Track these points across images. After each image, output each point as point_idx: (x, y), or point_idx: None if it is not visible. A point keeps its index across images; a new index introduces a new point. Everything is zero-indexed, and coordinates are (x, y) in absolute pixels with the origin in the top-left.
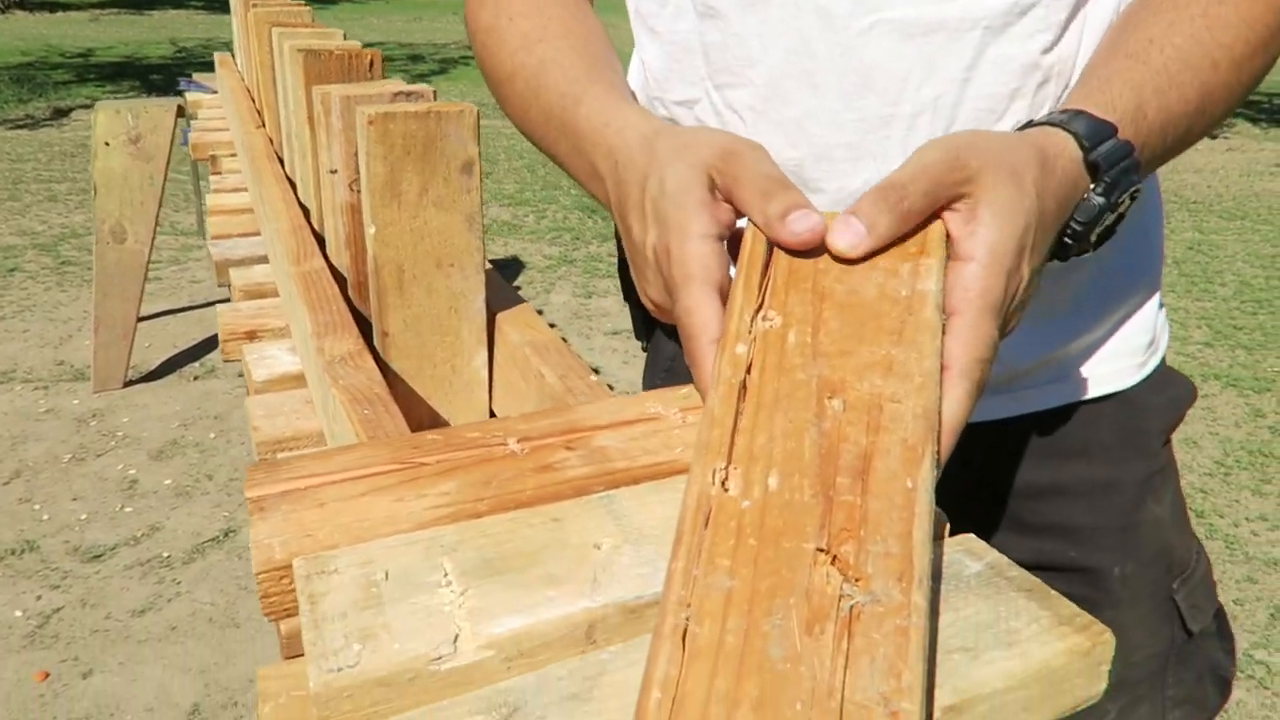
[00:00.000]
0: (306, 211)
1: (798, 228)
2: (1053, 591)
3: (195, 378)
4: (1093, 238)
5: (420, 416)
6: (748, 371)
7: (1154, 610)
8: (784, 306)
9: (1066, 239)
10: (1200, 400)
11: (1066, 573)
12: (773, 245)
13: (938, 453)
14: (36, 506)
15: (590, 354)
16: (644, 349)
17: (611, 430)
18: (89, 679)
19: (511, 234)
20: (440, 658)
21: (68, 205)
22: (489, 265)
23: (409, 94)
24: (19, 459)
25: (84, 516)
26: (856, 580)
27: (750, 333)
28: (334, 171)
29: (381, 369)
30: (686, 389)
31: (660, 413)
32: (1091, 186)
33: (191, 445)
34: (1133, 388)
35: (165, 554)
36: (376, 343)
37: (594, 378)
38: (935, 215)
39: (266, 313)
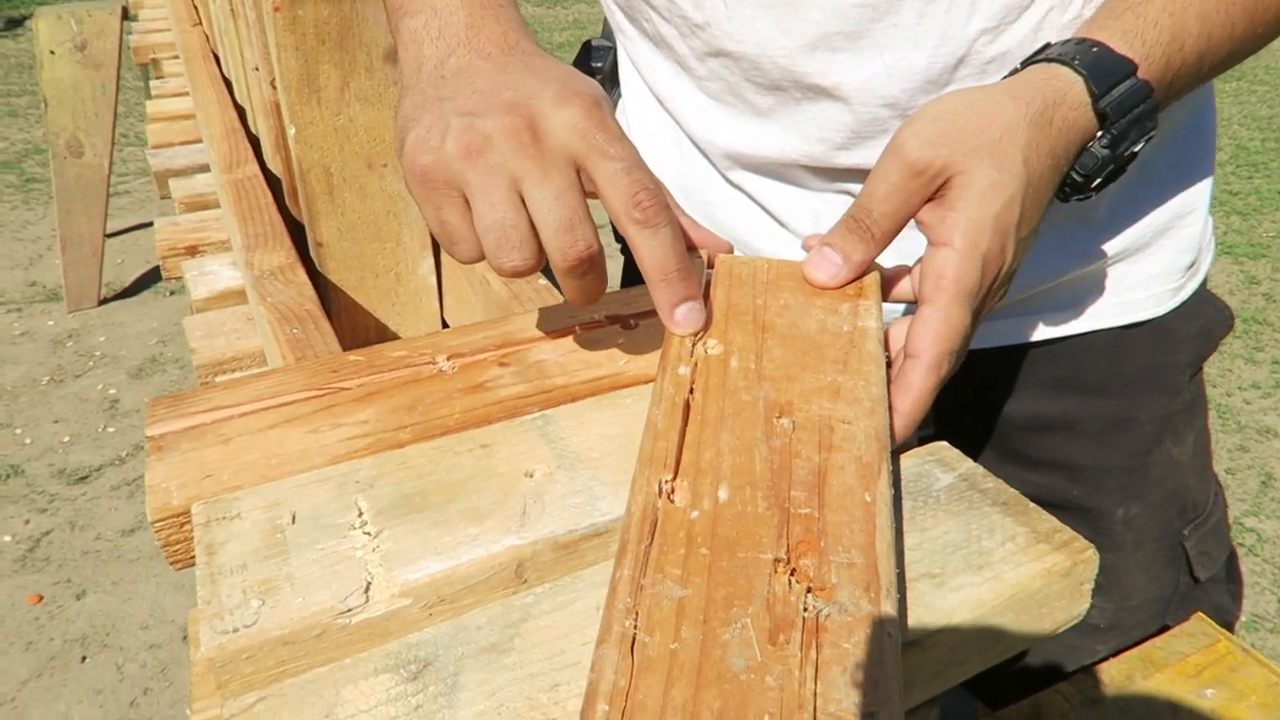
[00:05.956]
0: (244, 113)
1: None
2: (1031, 504)
3: (172, 292)
4: (1094, 186)
5: (366, 331)
6: (690, 392)
7: (1159, 555)
8: (725, 336)
9: (1065, 187)
10: None
11: (1065, 511)
12: (709, 280)
13: (893, 470)
14: (18, 431)
15: None
16: (622, 251)
17: (550, 341)
18: (83, 600)
19: None
20: (350, 610)
21: (29, 120)
22: None
23: None
24: None
25: (67, 439)
26: (820, 590)
27: (692, 357)
28: (256, 69)
29: (322, 282)
30: (640, 289)
31: (604, 320)
32: (1098, 135)
33: (171, 361)
34: (1165, 315)
35: None
36: (312, 254)
37: (544, 281)
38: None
39: (208, 225)
